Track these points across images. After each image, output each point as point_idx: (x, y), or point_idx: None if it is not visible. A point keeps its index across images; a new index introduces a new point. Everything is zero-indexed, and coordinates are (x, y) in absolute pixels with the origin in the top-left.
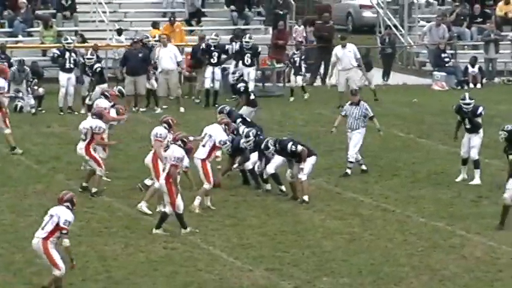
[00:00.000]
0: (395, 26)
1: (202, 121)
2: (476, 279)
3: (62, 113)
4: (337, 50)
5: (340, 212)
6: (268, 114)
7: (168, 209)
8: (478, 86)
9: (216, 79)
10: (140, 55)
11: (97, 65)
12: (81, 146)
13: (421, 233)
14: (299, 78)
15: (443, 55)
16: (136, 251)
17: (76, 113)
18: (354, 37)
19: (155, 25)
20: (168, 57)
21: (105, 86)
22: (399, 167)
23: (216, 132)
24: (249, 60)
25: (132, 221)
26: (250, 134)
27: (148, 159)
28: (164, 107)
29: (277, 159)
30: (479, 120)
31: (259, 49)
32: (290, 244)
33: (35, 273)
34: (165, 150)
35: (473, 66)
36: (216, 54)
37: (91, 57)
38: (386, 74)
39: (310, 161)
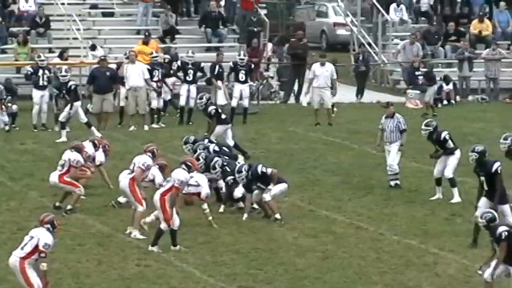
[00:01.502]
0: (369, 44)
1: (176, 139)
2: None
3: (35, 130)
4: (316, 68)
5: (314, 230)
6: (241, 131)
7: (163, 226)
8: (452, 102)
9: (191, 97)
10: (108, 73)
11: (71, 82)
12: (54, 175)
13: (394, 251)
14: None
15: (417, 73)
16: (109, 268)
17: (50, 130)
18: (327, 55)
19: (145, 42)
20: (136, 75)
21: (79, 103)
22: (373, 185)
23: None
24: (244, 77)
25: (105, 238)
26: (216, 165)
27: (124, 185)
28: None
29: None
30: (449, 144)
31: (253, 66)
32: (263, 262)
33: None
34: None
35: (447, 84)
36: (191, 72)
37: (65, 74)
38: (360, 92)
39: (280, 186)
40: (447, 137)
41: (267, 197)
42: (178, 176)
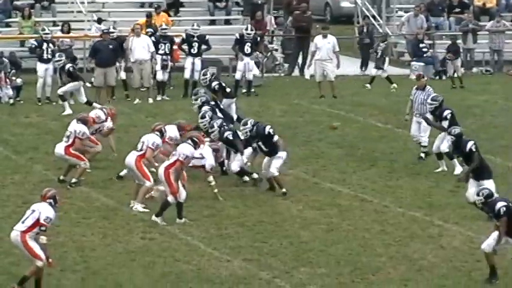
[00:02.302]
0: (373, 17)
1: (180, 111)
2: (454, 269)
3: (39, 104)
4: (318, 40)
5: (318, 202)
6: (246, 104)
7: (170, 198)
8: (460, 74)
9: (196, 70)
10: (110, 46)
11: (68, 65)
12: (60, 147)
13: (399, 223)
14: (380, 71)
15: (421, 45)
16: (114, 242)
17: (54, 103)
18: (332, 27)
19: (149, 16)
20: (141, 47)
21: (80, 83)
22: (377, 157)
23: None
24: (249, 50)
25: (110, 212)
26: (215, 124)
27: (130, 161)
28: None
29: (239, 157)
30: (445, 123)
31: (258, 38)
32: (268, 234)
33: (14, 263)
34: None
35: (460, 56)
36: (196, 44)
37: (59, 59)
38: (364, 64)
39: (282, 155)
40: (448, 116)
41: (274, 171)
42: (184, 150)
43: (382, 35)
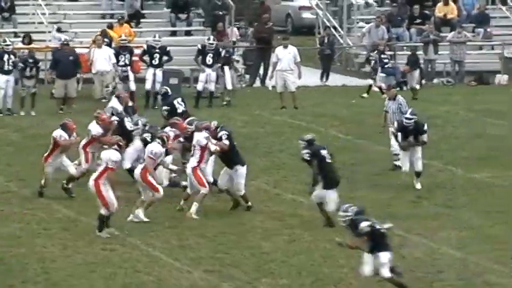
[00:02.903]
0: (334, 27)
1: None
2: (416, 279)
3: (1, 115)
4: (279, 51)
5: (280, 213)
6: (207, 115)
7: (103, 211)
8: (417, 87)
9: (157, 81)
10: (71, 58)
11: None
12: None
13: None
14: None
15: (382, 56)
16: (75, 253)
17: (15, 114)
18: (293, 38)
19: (110, 27)
20: (102, 59)
21: None
22: (338, 168)
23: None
24: (211, 61)
25: (71, 223)
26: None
27: (137, 176)
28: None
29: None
30: (425, 138)
31: (221, 50)
32: (230, 245)
33: None
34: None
35: (419, 67)
36: (157, 56)
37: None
38: (325, 75)
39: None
40: (427, 130)
41: (242, 190)
42: (112, 157)
43: (374, 44)
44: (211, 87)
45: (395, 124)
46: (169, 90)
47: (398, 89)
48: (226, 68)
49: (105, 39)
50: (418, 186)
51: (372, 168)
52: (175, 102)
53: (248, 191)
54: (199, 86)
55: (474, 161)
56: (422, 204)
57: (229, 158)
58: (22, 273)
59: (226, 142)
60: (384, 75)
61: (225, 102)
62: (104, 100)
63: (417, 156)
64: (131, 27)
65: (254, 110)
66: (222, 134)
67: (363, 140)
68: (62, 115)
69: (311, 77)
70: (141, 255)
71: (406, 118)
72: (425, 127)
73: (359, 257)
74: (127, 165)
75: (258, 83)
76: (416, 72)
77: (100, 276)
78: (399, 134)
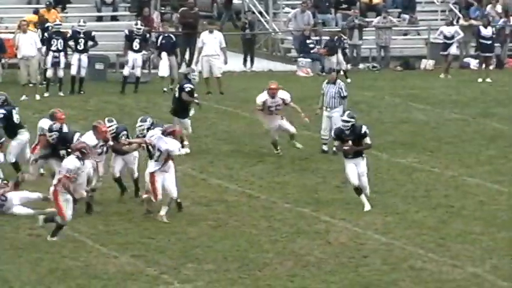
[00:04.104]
0: (260, 13)
1: (67, 108)
2: (341, 264)
3: None
4: (204, 36)
5: (205, 199)
6: (133, 101)
7: (58, 219)
8: (342, 72)
9: (82, 66)
10: None
11: None
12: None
13: (286, 219)
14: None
15: (308, 41)
16: (1, 238)
17: None
18: (219, 23)
19: (36, 11)
20: (28, 44)
21: None
22: (264, 153)
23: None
24: (138, 46)
25: None
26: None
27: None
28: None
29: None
30: (368, 140)
31: (148, 35)
32: (156, 231)
33: None
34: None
35: (337, 53)
36: (82, 41)
37: None
38: (249, 60)
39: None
40: (367, 131)
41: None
42: (68, 165)
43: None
44: (138, 72)
45: (333, 130)
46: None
47: (323, 74)
48: (172, 57)
49: (48, 24)
50: (367, 207)
51: (297, 152)
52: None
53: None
54: (126, 71)
55: (399, 146)
56: (348, 189)
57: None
58: None
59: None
60: (310, 60)
61: (165, 89)
62: (30, 85)
63: (361, 171)
64: (58, 12)
65: None
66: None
67: None
68: None
69: (237, 62)
70: (67, 240)
71: (343, 120)
72: (364, 129)
73: (286, 241)
74: (12, 159)
75: (183, 68)
76: (337, 57)
77: (26, 261)
78: (336, 140)
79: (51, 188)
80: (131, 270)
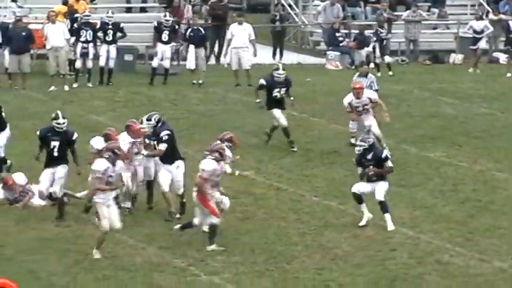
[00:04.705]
0: (289, 5)
1: (96, 99)
2: (369, 257)
3: None
4: (233, 28)
5: (233, 191)
6: (162, 92)
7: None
8: (371, 65)
9: (110, 57)
10: (23, 33)
11: None
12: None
13: (314, 212)
14: (387, 57)
15: (337, 34)
16: (28, 229)
17: None
18: (248, 16)
19: (65, 2)
20: (57, 34)
21: None
22: (293, 146)
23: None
24: (167, 38)
25: None
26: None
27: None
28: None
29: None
30: (389, 163)
31: (177, 27)
32: (183, 222)
33: None
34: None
35: (367, 46)
36: (111, 32)
37: None
38: (278, 53)
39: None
40: (389, 156)
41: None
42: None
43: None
44: (166, 64)
45: (355, 157)
46: None
47: (353, 67)
48: (201, 50)
49: (77, 15)
50: (390, 226)
51: (326, 146)
52: None
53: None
54: (154, 63)
55: (428, 139)
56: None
57: (169, 155)
58: None
59: (163, 147)
60: (339, 53)
61: (201, 81)
62: (60, 76)
63: (377, 194)
64: (87, 3)
65: (209, 87)
66: (163, 134)
67: (317, 118)
68: (14, 90)
69: (265, 54)
70: (94, 232)
71: (355, 144)
72: (385, 153)
73: (314, 234)
74: (1, 153)
75: (212, 61)
76: (364, 51)
77: (53, 251)
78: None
79: (194, 194)
80: (158, 262)
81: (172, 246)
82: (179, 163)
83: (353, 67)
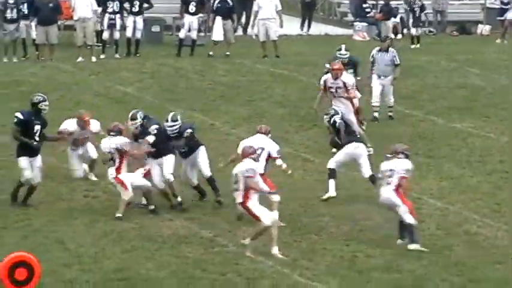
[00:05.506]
0: None
1: (123, 70)
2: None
3: None
4: (260, 0)
5: None
6: (189, 64)
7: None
8: (399, 36)
9: (137, 28)
10: (51, 5)
11: None
12: None
13: (341, 183)
14: (416, 30)
15: (364, 5)
16: (57, 199)
17: None
18: None
19: None
20: (84, 5)
21: None
22: (319, 117)
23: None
24: (194, 9)
25: (53, 170)
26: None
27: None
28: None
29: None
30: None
31: None
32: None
33: None
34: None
35: (394, 17)
36: (137, 3)
37: None
38: (306, 24)
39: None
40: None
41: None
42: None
43: None
44: (194, 35)
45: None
46: None
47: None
48: (228, 21)
49: None
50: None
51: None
52: None
53: (229, 139)
54: (182, 34)
55: (455, 111)
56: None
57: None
58: (3, 220)
59: (150, 139)
60: (366, 24)
61: (228, 53)
62: (87, 47)
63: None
64: None
65: (236, 58)
66: (152, 128)
67: None
68: (42, 62)
69: (293, 26)
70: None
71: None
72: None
73: (341, 205)
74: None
75: (239, 32)
76: (390, 22)
77: (81, 222)
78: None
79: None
80: (185, 233)
81: (200, 217)
82: (168, 157)
83: (379, 38)
